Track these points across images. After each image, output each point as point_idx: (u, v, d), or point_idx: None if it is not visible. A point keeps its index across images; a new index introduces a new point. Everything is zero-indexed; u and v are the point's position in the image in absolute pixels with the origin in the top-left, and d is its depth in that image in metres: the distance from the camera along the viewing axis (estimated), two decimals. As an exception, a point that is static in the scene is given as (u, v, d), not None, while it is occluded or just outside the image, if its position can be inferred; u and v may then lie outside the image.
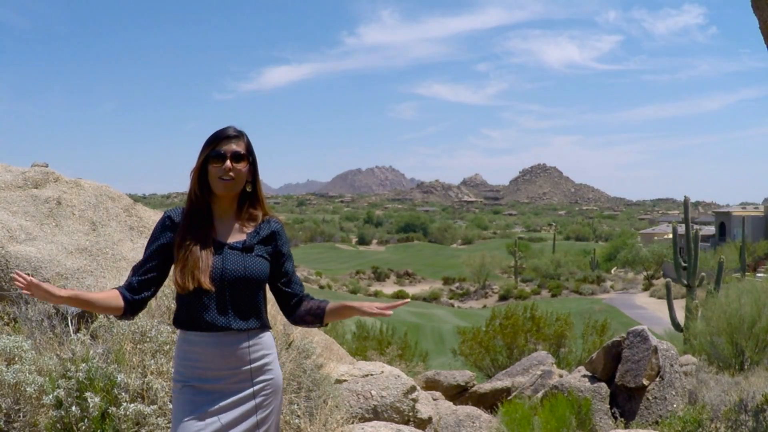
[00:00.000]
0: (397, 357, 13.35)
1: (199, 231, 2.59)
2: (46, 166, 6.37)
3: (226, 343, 2.54)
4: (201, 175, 2.61)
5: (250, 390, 2.55)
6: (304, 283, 2.95)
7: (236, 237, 2.63)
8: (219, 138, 2.60)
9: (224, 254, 2.57)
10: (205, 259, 2.53)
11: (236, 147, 2.60)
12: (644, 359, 6.94)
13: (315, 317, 2.71)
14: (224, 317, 2.54)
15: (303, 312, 2.73)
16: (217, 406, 2.50)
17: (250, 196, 2.68)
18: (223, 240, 2.61)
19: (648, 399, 6.84)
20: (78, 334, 4.18)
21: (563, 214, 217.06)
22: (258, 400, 2.56)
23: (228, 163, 2.56)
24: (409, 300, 2.92)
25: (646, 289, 52.56)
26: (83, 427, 3.51)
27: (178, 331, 2.66)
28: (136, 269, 2.62)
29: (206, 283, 2.50)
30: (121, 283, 2.71)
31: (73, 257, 5.15)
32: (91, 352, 3.88)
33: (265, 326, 2.65)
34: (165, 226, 2.63)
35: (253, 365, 2.56)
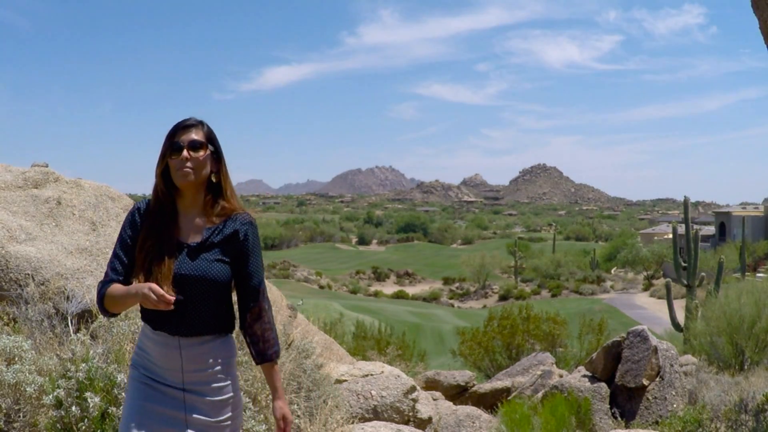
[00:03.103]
0: (397, 357, 13.35)
1: (162, 230, 2.49)
2: (46, 166, 6.37)
3: (173, 346, 2.45)
4: (164, 170, 2.50)
5: (181, 396, 2.45)
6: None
7: (196, 236, 2.51)
8: (176, 130, 2.50)
9: (182, 255, 2.46)
10: (167, 264, 2.43)
11: (193, 135, 2.49)
12: (644, 359, 6.93)
13: (255, 354, 2.60)
14: (174, 320, 2.43)
15: (249, 335, 2.59)
16: (158, 405, 2.43)
17: (215, 189, 2.55)
18: (184, 239, 2.50)
19: (648, 399, 6.84)
20: (78, 334, 4.18)
21: (563, 214, 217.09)
22: (188, 406, 2.44)
23: (185, 152, 2.45)
24: None
25: (646, 289, 52.56)
26: (83, 427, 3.51)
27: None
28: (114, 267, 2.49)
29: (170, 291, 2.39)
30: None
31: (73, 257, 5.15)
32: (91, 352, 3.88)
33: (220, 332, 2.51)
34: (134, 219, 2.54)
35: (198, 372, 2.46)
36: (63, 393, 3.59)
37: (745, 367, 9.56)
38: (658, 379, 6.92)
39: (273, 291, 7.09)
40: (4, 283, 4.85)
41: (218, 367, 2.48)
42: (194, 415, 2.44)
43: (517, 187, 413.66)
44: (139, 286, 2.35)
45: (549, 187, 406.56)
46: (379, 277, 72.95)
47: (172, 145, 2.47)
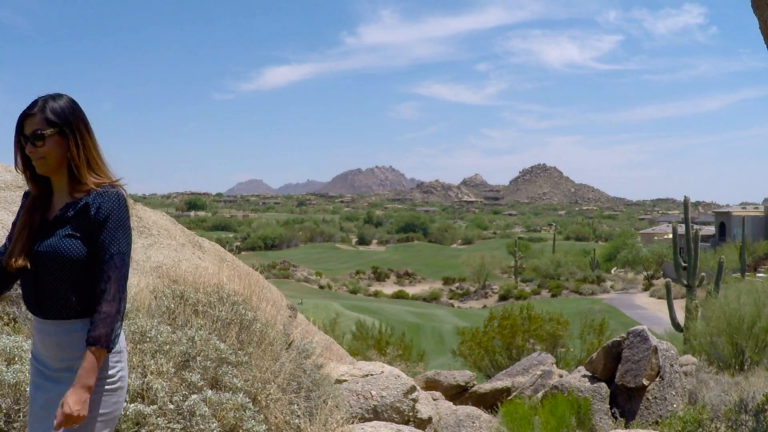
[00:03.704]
0: (397, 357, 13.36)
1: (35, 210, 2.47)
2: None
3: (41, 330, 2.42)
4: (24, 157, 2.45)
5: (59, 386, 2.39)
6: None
7: (55, 213, 2.45)
8: (20, 119, 2.41)
9: (42, 232, 2.42)
10: (28, 238, 2.41)
11: (34, 126, 2.38)
12: (644, 359, 6.93)
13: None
14: (37, 301, 2.41)
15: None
16: (45, 393, 2.42)
17: (75, 166, 2.44)
18: (49, 216, 2.46)
19: (648, 399, 6.84)
20: (78, 334, 4.17)
21: (563, 214, 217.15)
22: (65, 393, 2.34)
23: (28, 146, 2.38)
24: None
25: (646, 289, 52.58)
26: (83, 427, 3.51)
27: None
28: (4, 245, 2.51)
29: (19, 261, 2.38)
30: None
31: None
32: (91, 352, 3.88)
33: (78, 316, 2.39)
34: (24, 202, 2.55)
35: (69, 360, 2.37)
36: (63, 393, 3.59)
37: (745, 367, 9.56)
38: (658, 379, 6.92)
39: (273, 291, 7.09)
40: (4, 283, 4.85)
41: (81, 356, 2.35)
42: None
43: (517, 187, 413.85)
44: None
45: (549, 187, 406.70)
46: (379, 277, 72.97)
47: (20, 136, 2.42)
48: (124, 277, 2.39)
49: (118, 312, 2.35)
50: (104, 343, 2.30)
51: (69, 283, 2.38)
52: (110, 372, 2.42)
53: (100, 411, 2.39)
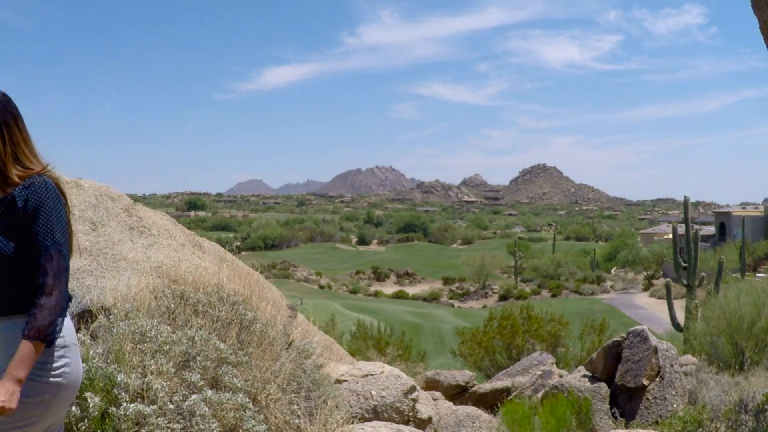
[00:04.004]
0: (397, 357, 13.36)
1: None
2: (47, 166, 6.36)
3: None
4: None
5: None
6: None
7: None
8: None
9: None
10: None
11: None
12: (644, 359, 6.94)
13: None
14: None
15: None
16: None
17: (2, 161, 2.39)
18: None
19: (648, 399, 6.84)
20: (78, 334, 4.17)
21: (563, 214, 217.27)
22: None
23: None
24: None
25: (646, 289, 52.64)
26: (83, 427, 3.51)
27: None
28: None
29: None
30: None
31: (73, 257, 5.14)
32: (91, 352, 3.88)
33: (17, 312, 2.35)
34: None
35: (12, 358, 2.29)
36: (63, 393, 3.58)
37: (745, 367, 9.56)
38: (658, 379, 6.93)
39: (273, 291, 7.09)
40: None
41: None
42: None
43: (517, 187, 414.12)
44: None
45: (549, 187, 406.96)
46: (379, 277, 73.01)
47: None
48: (64, 269, 2.36)
49: (58, 305, 2.31)
50: (41, 336, 2.25)
51: (8, 280, 2.35)
52: (54, 365, 2.37)
53: (30, 398, 2.31)
